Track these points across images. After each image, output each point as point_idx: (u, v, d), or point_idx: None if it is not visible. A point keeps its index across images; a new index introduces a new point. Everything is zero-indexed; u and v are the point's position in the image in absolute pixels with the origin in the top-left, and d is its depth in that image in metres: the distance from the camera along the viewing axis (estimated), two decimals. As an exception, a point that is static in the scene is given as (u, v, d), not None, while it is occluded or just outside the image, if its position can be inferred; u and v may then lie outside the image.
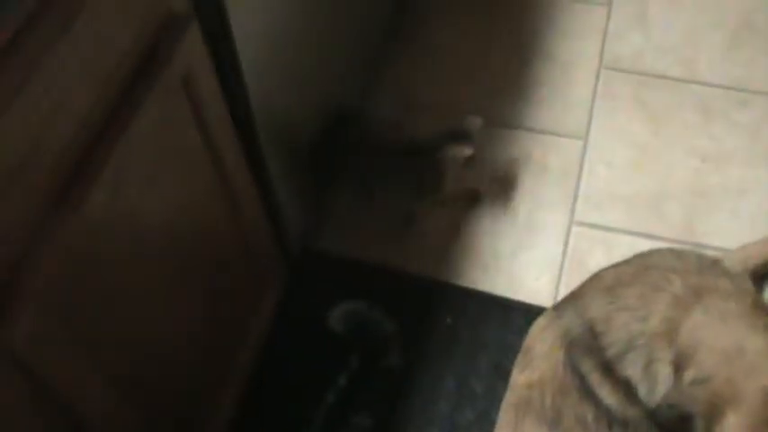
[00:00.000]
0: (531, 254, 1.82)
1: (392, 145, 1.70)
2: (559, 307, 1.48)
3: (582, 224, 1.85)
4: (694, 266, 1.39)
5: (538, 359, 1.43)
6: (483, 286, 1.78)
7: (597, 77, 2.08)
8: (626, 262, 1.49)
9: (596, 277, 1.48)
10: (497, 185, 1.91)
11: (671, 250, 1.51)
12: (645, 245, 1.67)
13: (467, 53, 2.14)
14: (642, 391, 1.30)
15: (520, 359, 1.49)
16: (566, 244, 1.83)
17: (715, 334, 1.25)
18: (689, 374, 1.22)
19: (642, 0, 2.24)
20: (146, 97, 1.02)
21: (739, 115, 2.00)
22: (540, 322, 1.50)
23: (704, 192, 1.89)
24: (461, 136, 1.67)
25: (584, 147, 1.95)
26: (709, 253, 1.64)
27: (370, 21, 1.93)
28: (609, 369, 1.32)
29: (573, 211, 1.87)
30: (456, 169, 1.69)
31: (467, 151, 1.66)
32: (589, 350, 1.35)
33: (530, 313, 1.62)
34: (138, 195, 1.06)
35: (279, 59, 1.41)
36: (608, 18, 2.20)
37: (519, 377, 1.46)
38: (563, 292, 1.65)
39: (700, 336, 1.26)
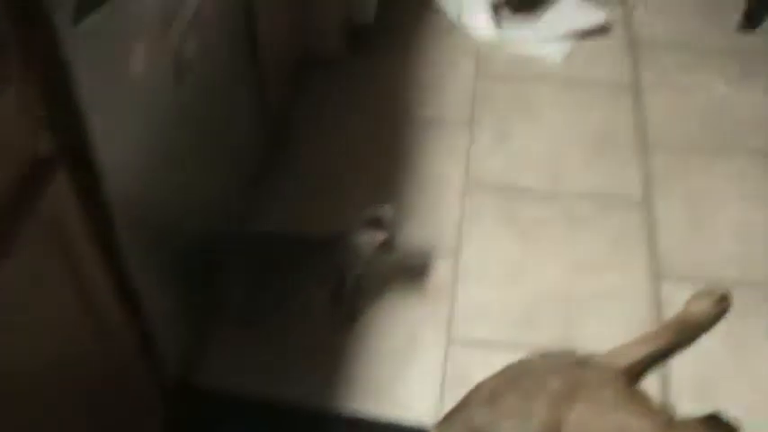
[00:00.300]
0: (413, 374, 1.82)
1: (302, 238, 1.79)
2: (443, 422, 1.49)
3: (460, 341, 1.88)
4: (566, 365, 1.43)
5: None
6: (369, 412, 1.77)
7: (465, 195, 2.16)
8: (502, 371, 1.52)
9: (476, 389, 1.50)
10: (375, 309, 1.93)
11: (542, 354, 1.55)
12: (522, 355, 1.71)
13: (338, 180, 2.20)
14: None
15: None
16: (446, 362, 1.84)
17: (597, 424, 1.28)
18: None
19: (504, 118, 2.37)
20: (14, 239, 1.02)
21: (604, 222, 2.10)
22: (426, 441, 1.50)
23: (576, 299, 1.95)
24: (374, 223, 1.77)
25: (457, 264, 2.01)
26: (586, 358, 1.69)
27: (240, 150, 1.97)
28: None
29: (450, 329, 1.90)
30: (369, 257, 1.79)
31: (380, 236, 1.75)
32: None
33: (417, 434, 1.62)
34: (4, 339, 1.04)
35: (150, 191, 1.43)
36: (472, 137, 2.30)
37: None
38: (447, 410, 1.66)
39: (583, 429, 1.29)
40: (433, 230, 2.07)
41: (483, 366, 1.78)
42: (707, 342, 1.87)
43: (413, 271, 1.99)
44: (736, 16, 2.72)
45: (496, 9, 2.71)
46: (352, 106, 2.39)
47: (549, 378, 1.38)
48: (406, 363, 1.84)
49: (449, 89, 2.47)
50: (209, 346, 1.86)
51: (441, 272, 1.99)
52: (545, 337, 1.88)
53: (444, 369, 1.83)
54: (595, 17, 2.67)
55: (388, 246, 1.79)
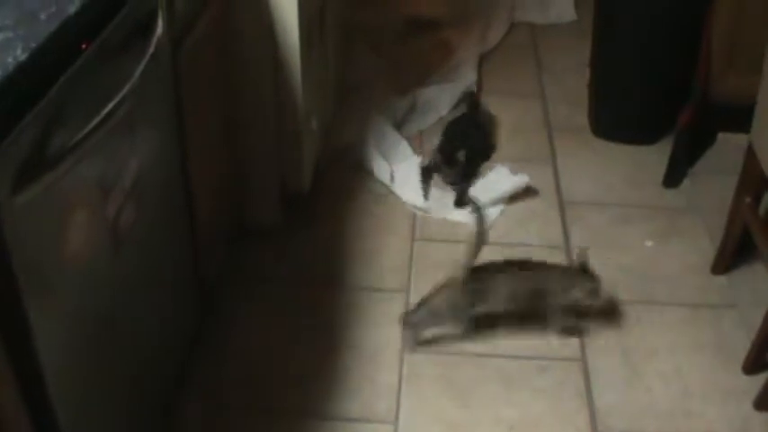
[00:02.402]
0: None
1: None
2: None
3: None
4: None
5: None
6: None
7: (402, 361, 2.19)
8: None
9: None
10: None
11: None
12: None
13: (274, 350, 2.22)
14: None
15: None
16: None
17: None
18: None
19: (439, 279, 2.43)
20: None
21: (539, 381, 2.15)
22: None
23: (517, 460, 1.97)
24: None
25: (396, 429, 2.02)
26: None
27: (175, 327, 2.00)
28: None
29: (392, 497, 1.91)
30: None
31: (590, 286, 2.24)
32: None
33: None
34: None
35: (85, 365, 1.46)
36: (407, 303, 2.36)
37: None
38: None
39: None
40: (371, 397, 2.09)
41: None
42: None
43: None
44: (660, 174, 2.88)
45: (426, 178, 2.83)
46: (287, 274, 2.46)
47: None
48: None
49: (385, 255, 2.55)
50: None
51: (380, 438, 2.01)
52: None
53: None
54: (519, 180, 2.77)
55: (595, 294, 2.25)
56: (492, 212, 2.72)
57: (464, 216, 2.70)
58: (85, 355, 1.48)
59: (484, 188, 2.80)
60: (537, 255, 2.54)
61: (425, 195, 2.78)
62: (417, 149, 2.96)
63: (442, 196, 2.80)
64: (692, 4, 2.81)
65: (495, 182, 2.81)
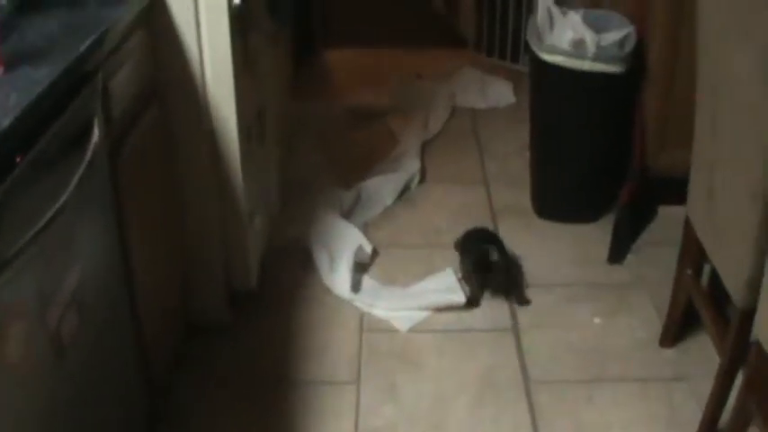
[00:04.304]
0: None
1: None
2: None
3: None
4: None
5: None
6: None
7: (355, 455, 2.21)
8: None
9: None
10: None
11: None
12: None
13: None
14: None
15: None
16: None
17: None
18: None
19: (388, 373, 2.46)
20: None
21: (495, 467, 2.17)
22: None
23: None
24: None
25: None
26: None
27: (123, 420, 2.00)
28: None
29: None
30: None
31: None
32: None
33: None
34: None
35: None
36: (358, 394, 2.38)
37: None
38: None
39: None
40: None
41: None
42: None
43: None
44: (604, 251, 2.96)
45: (360, 272, 2.88)
46: (236, 371, 2.47)
47: None
48: None
49: (335, 347, 2.57)
50: None
51: None
52: None
53: None
54: (455, 298, 2.74)
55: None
56: (412, 317, 2.70)
57: (383, 313, 2.73)
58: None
59: (416, 294, 2.79)
60: (485, 338, 2.60)
61: (354, 287, 2.81)
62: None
63: (370, 292, 2.81)
64: (623, 87, 2.93)
65: (429, 291, 2.80)
